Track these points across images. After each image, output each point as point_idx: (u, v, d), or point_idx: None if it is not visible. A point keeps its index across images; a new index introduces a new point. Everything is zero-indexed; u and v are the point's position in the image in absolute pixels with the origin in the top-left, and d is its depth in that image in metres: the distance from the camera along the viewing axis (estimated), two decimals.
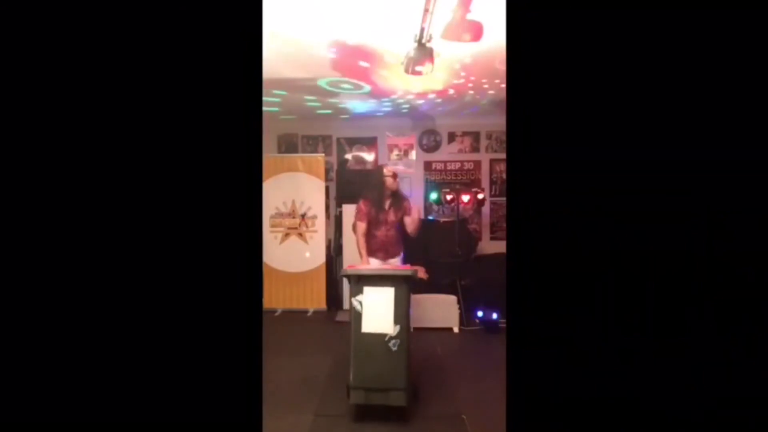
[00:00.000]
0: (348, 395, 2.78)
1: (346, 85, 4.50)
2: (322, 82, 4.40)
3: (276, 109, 5.40)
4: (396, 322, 2.76)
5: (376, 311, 2.79)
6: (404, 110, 5.57)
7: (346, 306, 5.33)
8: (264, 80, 4.10)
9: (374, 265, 3.51)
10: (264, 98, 4.85)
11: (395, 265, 3.54)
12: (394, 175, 3.50)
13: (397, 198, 3.56)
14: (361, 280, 2.82)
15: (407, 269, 2.93)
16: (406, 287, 2.83)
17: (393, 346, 2.75)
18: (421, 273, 3.57)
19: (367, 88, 4.54)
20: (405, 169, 6.17)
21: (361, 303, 2.81)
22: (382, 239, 3.51)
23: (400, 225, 3.58)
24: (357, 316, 2.80)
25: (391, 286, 2.82)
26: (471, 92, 4.74)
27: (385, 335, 2.76)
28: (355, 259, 3.83)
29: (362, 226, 3.49)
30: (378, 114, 5.70)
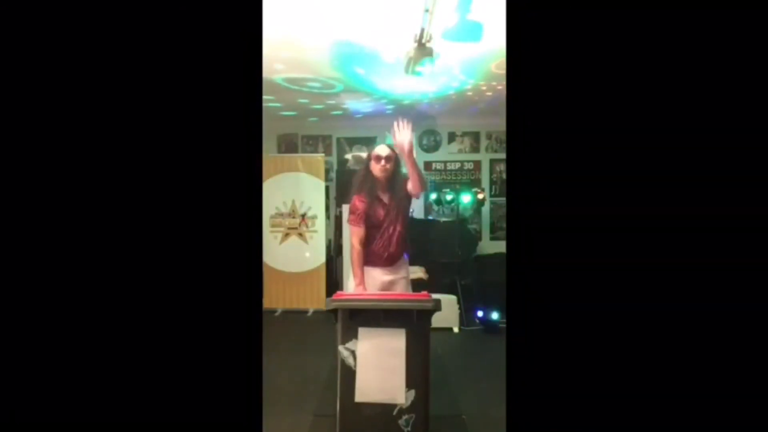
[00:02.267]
0: None
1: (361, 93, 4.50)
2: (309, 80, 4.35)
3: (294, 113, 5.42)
4: (410, 385, 1.79)
5: (379, 368, 1.81)
6: (401, 109, 5.56)
7: None
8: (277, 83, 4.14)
9: (378, 276, 2.50)
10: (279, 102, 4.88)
11: (399, 284, 2.58)
12: (386, 158, 2.53)
13: (397, 182, 2.59)
14: (355, 318, 1.82)
15: (426, 298, 1.94)
16: (424, 328, 1.84)
17: (405, 424, 1.77)
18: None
19: (379, 93, 4.56)
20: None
21: (354, 354, 1.82)
22: (387, 240, 2.55)
23: (404, 220, 2.63)
24: (347, 373, 1.80)
25: (402, 326, 1.81)
26: (470, 94, 4.74)
27: (392, 407, 1.78)
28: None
29: (359, 233, 2.50)
30: (377, 114, 5.69)
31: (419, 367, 1.80)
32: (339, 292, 2.30)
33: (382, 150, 2.58)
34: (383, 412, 1.78)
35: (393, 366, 1.79)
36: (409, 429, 1.77)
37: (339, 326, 1.86)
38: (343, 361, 1.84)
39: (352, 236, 2.55)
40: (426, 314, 1.85)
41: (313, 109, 5.44)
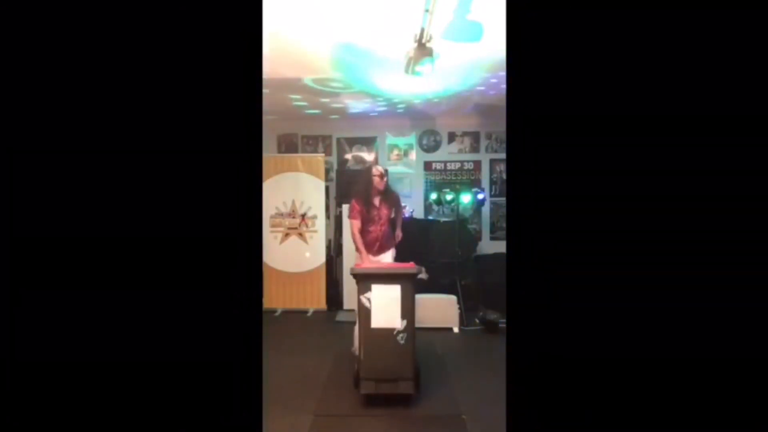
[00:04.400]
0: (356, 385, 3.05)
1: (336, 84, 4.51)
2: (308, 80, 4.38)
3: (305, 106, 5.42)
4: (403, 317, 2.98)
5: (384, 307, 2.99)
6: (401, 109, 5.56)
7: (346, 306, 5.34)
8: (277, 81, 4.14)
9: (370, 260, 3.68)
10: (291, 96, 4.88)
11: (387, 261, 3.74)
12: (381, 175, 3.67)
13: (388, 194, 3.76)
14: (370, 279, 3.03)
15: (412, 268, 3.09)
16: (411, 285, 3.03)
17: (401, 339, 2.97)
18: (422, 273, 3.70)
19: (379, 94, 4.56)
20: (406, 169, 6.16)
21: (369, 300, 3.00)
22: (375, 235, 3.72)
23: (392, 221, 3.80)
24: (366, 312, 3.01)
25: (398, 283, 3.00)
26: (470, 94, 4.74)
27: (393, 330, 2.97)
28: (355, 259, 3.93)
29: (356, 224, 3.70)
30: (377, 114, 5.70)
31: (408, 307, 3.01)
32: (358, 263, 3.53)
33: (379, 168, 3.74)
34: (387, 332, 2.98)
35: (392, 306, 3.00)
36: (403, 342, 2.97)
37: (359, 284, 3.05)
38: (363, 305, 3.02)
39: (352, 227, 3.74)
40: (412, 277, 3.05)
41: (314, 109, 5.44)
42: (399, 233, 3.87)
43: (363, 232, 3.72)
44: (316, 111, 5.52)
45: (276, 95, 4.76)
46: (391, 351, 2.95)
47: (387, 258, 3.77)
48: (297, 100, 5.03)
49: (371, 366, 2.99)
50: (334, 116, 5.75)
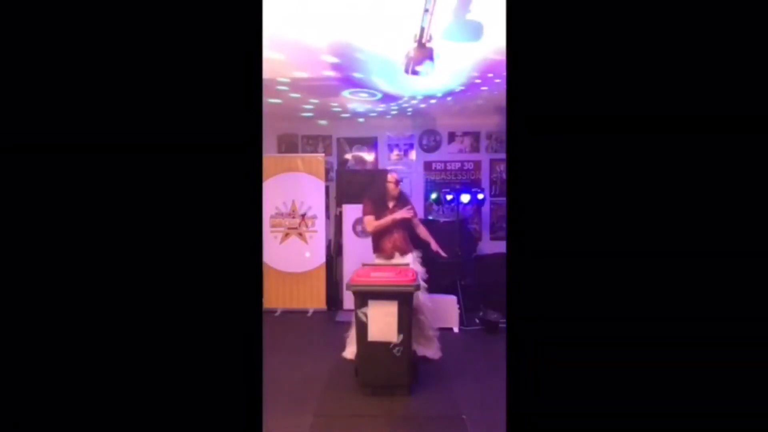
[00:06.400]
0: (356, 374, 3.20)
1: (363, 94, 4.53)
2: (345, 93, 4.49)
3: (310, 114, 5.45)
4: (399, 332, 3.02)
5: (382, 322, 3.02)
6: (401, 110, 5.56)
7: (346, 306, 5.34)
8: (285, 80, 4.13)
9: (380, 262, 3.73)
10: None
11: (407, 263, 3.70)
12: (397, 182, 3.84)
13: (401, 200, 3.89)
14: (366, 295, 3.04)
15: (411, 283, 3.05)
16: (409, 301, 3.04)
17: (397, 352, 3.03)
18: (434, 246, 3.90)
19: (380, 95, 4.56)
20: (406, 170, 6.17)
21: (366, 315, 3.04)
22: (388, 238, 3.78)
23: (406, 225, 3.86)
24: (363, 326, 3.06)
25: (395, 300, 3.00)
26: (469, 93, 4.74)
27: (389, 343, 3.01)
28: (355, 259, 4.05)
29: (371, 218, 3.78)
30: (381, 114, 5.69)
31: (405, 322, 3.03)
32: (363, 267, 3.47)
33: (395, 175, 3.91)
34: (384, 346, 3.03)
35: (390, 320, 3.02)
36: (399, 354, 3.02)
37: (356, 299, 3.06)
38: (360, 319, 3.06)
39: (368, 221, 3.78)
40: (409, 294, 3.04)
41: (315, 109, 5.44)
42: (423, 231, 3.96)
43: (377, 238, 3.79)
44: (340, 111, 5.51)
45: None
46: (388, 362, 3.03)
47: (407, 260, 3.78)
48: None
49: (368, 375, 3.09)
50: (336, 110, 5.72)
